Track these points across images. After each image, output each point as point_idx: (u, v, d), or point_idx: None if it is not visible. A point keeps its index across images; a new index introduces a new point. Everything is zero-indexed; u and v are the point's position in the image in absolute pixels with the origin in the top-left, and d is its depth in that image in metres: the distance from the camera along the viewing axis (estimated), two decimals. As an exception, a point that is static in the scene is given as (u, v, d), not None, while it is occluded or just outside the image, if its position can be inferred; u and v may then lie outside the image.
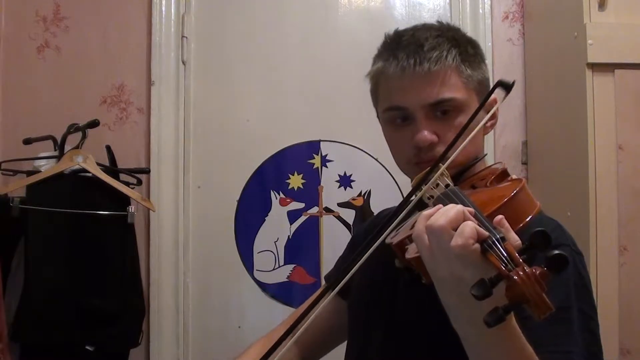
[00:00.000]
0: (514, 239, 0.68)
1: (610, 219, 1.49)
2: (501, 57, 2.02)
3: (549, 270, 0.60)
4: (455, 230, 0.67)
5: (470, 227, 0.66)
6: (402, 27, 1.00)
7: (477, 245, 0.65)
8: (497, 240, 0.65)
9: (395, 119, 0.96)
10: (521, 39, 2.02)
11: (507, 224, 0.70)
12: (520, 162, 1.99)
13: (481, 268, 0.65)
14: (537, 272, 0.60)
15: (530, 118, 1.97)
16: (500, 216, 0.70)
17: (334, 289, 0.83)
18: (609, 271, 1.48)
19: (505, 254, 0.63)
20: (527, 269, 0.60)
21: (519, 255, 0.62)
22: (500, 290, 0.61)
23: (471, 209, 0.71)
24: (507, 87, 0.85)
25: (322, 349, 1.18)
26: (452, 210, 0.70)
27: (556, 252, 0.60)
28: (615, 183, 1.49)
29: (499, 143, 1.99)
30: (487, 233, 0.66)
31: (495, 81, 0.87)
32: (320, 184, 2.07)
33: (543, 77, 1.89)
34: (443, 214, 0.69)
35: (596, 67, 1.49)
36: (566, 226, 0.93)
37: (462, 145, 0.83)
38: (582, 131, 1.51)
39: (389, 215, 0.81)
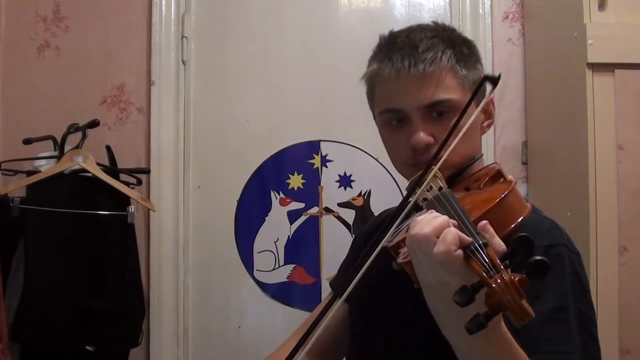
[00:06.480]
0: (498, 244, 0.68)
1: (610, 219, 1.49)
2: (501, 57, 2.02)
3: (530, 277, 0.60)
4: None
5: (452, 233, 0.66)
6: (402, 28, 1.00)
7: (459, 252, 0.66)
8: (480, 246, 0.64)
9: (391, 120, 0.96)
10: (521, 39, 2.02)
11: (491, 230, 0.69)
12: (520, 162, 1.99)
13: (465, 274, 0.65)
14: (516, 279, 0.59)
15: (530, 118, 1.97)
16: (484, 221, 0.70)
17: (340, 297, 0.82)
18: (609, 271, 1.47)
19: (487, 260, 0.63)
20: (506, 276, 0.60)
21: (500, 261, 0.62)
22: (482, 296, 0.61)
23: (455, 222, 0.70)
24: (493, 80, 0.85)
25: (335, 356, 1.16)
26: (438, 219, 0.70)
27: (537, 257, 0.59)
28: (615, 183, 1.49)
29: (499, 143, 1.99)
30: (470, 239, 0.66)
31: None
32: (320, 184, 2.07)
33: (543, 77, 1.89)
34: (428, 222, 0.70)
35: (596, 67, 1.49)
36: (566, 226, 0.93)
37: (453, 144, 0.83)
38: (582, 131, 1.51)
39: (387, 221, 0.81)
